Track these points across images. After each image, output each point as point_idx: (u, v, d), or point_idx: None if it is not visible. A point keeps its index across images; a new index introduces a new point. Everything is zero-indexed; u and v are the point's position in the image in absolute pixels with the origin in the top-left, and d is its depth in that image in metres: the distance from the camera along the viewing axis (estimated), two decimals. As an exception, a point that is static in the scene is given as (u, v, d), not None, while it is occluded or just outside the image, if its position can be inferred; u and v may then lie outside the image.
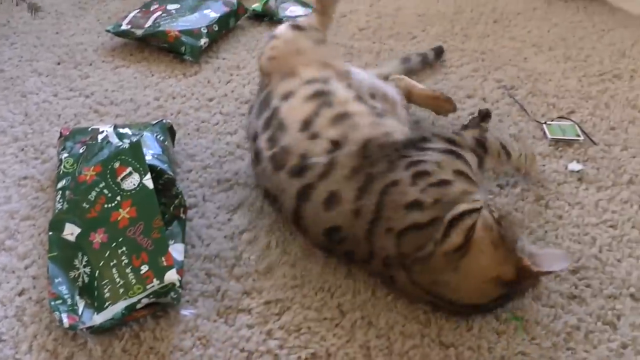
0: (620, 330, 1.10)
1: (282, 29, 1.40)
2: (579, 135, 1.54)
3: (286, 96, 1.21)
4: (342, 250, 1.13)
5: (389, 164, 1.09)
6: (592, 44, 1.94)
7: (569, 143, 1.52)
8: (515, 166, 1.37)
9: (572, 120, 1.59)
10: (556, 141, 1.52)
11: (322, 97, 1.19)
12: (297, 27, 1.38)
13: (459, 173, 1.12)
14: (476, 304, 1.07)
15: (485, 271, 1.02)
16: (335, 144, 1.12)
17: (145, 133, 1.34)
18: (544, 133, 1.55)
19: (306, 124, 1.15)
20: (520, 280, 1.03)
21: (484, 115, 1.49)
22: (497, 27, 2.03)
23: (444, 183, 1.08)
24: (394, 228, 1.04)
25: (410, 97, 1.48)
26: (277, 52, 1.32)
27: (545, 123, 1.57)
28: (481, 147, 1.26)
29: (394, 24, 2.04)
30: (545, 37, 1.98)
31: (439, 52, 1.83)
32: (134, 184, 1.18)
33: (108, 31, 1.87)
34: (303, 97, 1.20)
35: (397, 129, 1.19)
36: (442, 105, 1.49)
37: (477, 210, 1.05)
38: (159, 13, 1.89)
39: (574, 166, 1.45)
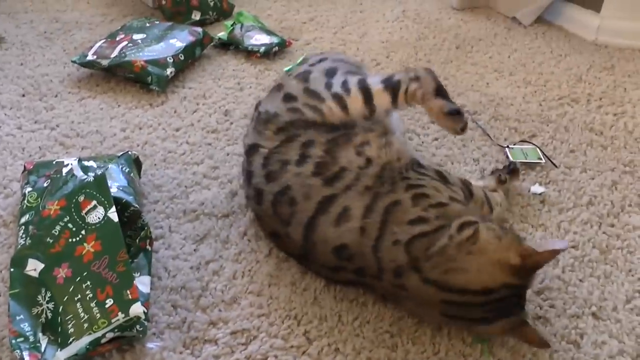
0: (583, 349, 1.12)
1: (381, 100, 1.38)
2: (540, 159, 1.58)
3: (367, 130, 1.30)
4: (353, 267, 1.15)
5: (392, 185, 1.18)
6: (551, 69, 2.00)
7: (531, 166, 1.55)
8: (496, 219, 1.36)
9: (533, 144, 1.63)
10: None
11: (386, 136, 1.30)
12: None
13: (453, 199, 1.19)
14: (485, 287, 1.06)
15: (492, 253, 1.07)
16: (368, 162, 1.21)
17: (110, 165, 1.34)
18: (507, 157, 1.58)
19: (362, 144, 1.25)
20: (525, 265, 1.06)
21: None
22: (459, 53, 2.08)
23: (441, 205, 1.15)
24: (401, 240, 1.10)
25: None
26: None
27: (507, 147, 1.61)
28: (467, 189, 1.29)
29: (358, 50, 2.08)
30: (506, 63, 2.03)
31: None
32: (99, 218, 1.17)
33: (74, 62, 1.87)
34: (378, 133, 1.29)
35: (407, 155, 1.28)
36: None
37: (477, 222, 1.13)
38: (124, 43, 1.90)
39: (537, 189, 1.48)
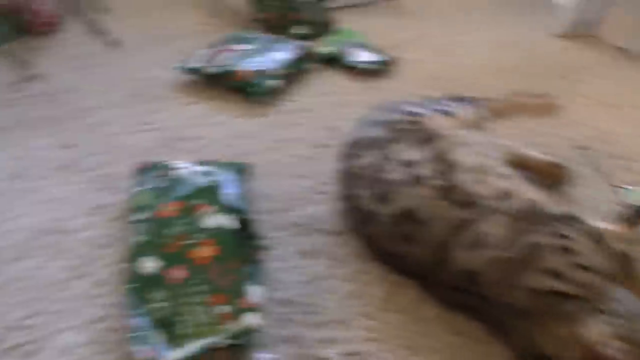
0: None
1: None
2: (658, 202, 1.49)
3: (462, 144, 1.31)
4: (481, 293, 1.11)
5: (541, 226, 1.13)
6: (668, 105, 1.90)
7: (648, 209, 1.47)
8: None
9: (650, 185, 1.55)
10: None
11: (484, 156, 1.30)
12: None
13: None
14: None
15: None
16: (505, 194, 1.19)
17: (223, 172, 1.34)
18: (622, 198, 1.50)
19: (477, 172, 1.24)
20: None
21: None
22: (565, 84, 2.01)
23: (591, 270, 1.06)
24: (535, 288, 1.05)
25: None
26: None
27: (623, 188, 1.53)
28: (629, 265, 1.15)
29: (459, 73, 2.04)
30: (615, 95, 1.95)
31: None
32: (214, 224, 1.17)
33: (180, 68, 1.90)
34: (475, 151, 1.30)
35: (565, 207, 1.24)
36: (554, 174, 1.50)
37: None
38: (230, 53, 1.92)
39: (655, 233, 1.40)
